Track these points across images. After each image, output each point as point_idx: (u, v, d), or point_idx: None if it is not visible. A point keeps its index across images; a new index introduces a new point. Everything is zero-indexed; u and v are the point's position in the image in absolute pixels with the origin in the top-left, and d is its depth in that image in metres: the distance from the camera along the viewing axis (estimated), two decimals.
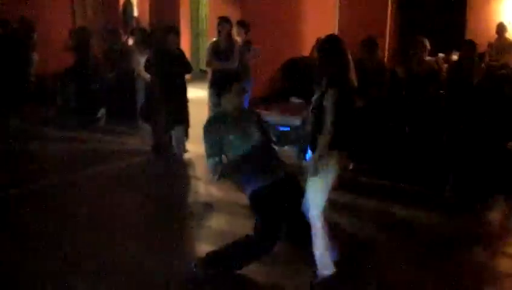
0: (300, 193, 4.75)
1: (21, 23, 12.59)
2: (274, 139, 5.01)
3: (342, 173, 4.77)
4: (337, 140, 4.52)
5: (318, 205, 4.63)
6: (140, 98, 9.86)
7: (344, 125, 4.55)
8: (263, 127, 4.96)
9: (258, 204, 4.78)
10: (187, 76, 8.79)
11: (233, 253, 4.89)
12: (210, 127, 4.89)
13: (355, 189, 7.02)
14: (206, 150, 4.84)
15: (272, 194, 4.72)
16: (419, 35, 8.09)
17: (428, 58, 8.53)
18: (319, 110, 4.53)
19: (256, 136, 4.81)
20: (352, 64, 4.64)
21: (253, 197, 4.79)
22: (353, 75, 4.65)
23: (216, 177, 4.78)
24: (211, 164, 4.78)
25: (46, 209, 6.42)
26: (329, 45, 4.72)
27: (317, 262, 4.70)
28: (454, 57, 9.95)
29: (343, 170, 4.80)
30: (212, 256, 4.89)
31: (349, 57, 4.62)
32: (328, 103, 4.45)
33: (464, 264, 5.24)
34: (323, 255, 4.68)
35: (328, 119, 4.44)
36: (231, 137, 4.74)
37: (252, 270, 4.86)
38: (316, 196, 4.64)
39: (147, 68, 8.48)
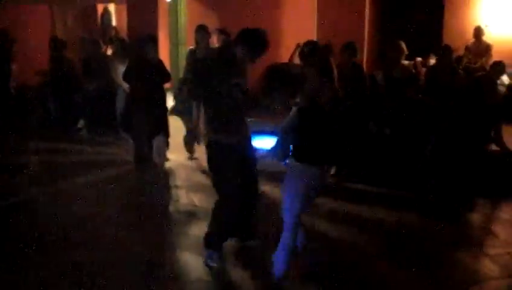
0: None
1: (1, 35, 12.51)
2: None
3: (318, 187, 4.76)
4: (306, 153, 4.61)
5: (289, 211, 4.66)
6: (120, 107, 9.83)
7: (314, 141, 4.60)
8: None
9: (217, 157, 5.02)
10: (166, 85, 8.77)
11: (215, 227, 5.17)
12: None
13: (336, 193, 7.04)
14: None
15: (234, 153, 4.93)
16: (396, 39, 8.15)
17: (406, 62, 8.60)
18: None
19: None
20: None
21: (215, 147, 5.03)
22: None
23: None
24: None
25: (28, 222, 6.35)
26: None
27: (274, 262, 4.76)
28: (432, 61, 10.03)
29: (318, 185, 4.75)
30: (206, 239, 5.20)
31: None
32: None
33: (447, 266, 5.26)
34: (280, 257, 4.71)
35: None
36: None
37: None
38: (285, 201, 4.69)
39: (126, 77, 8.45)
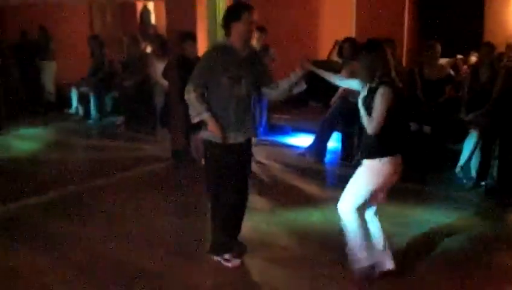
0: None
1: (40, 32, 12.74)
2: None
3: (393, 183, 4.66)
4: (388, 144, 4.47)
5: (348, 200, 4.58)
6: (159, 104, 9.91)
7: (396, 128, 4.47)
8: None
9: (211, 154, 4.94)
10: None
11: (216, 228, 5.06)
12: (210, 53, 4.87)
13: None
14: (193, 78, 4.82)
15: (234, 153, 4.82)
16: (431, 40, 8.07)
17: (445, 60, 8.49)
18: (368, 109, 4.42)
19: (245, 90, 4.78)
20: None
21: (209, 145, 4.94)
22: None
23: (196, 119, 4.88)
24: (193, 99, 4.83)
25: (68, 217, 6.44)
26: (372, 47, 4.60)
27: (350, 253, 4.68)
28: (473, 58, 9.88)
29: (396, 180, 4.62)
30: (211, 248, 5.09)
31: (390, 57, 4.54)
32: (378, 101, 4.34)
33: (489, 266, 5.16)
34: (354, 249, 4.63)
35: (376, 118, 4.35)
36: (224, 78, 4.70)
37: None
38: (350, 189, 4.58)
39: (165, 75, 8.51)
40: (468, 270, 5.05)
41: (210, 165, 5.00)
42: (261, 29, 9.74)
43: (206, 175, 5.11)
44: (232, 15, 4.77)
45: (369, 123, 4.39)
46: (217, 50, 4.85)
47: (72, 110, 12.32)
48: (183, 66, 8.06)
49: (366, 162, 4.51)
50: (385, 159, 4.44)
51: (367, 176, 4.50)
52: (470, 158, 7.28)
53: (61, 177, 8.01)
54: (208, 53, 5.00)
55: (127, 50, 11.69)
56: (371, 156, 4.48)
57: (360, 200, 4.54)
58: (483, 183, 7.15)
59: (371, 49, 4.49)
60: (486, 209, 6.64)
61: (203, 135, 4.94)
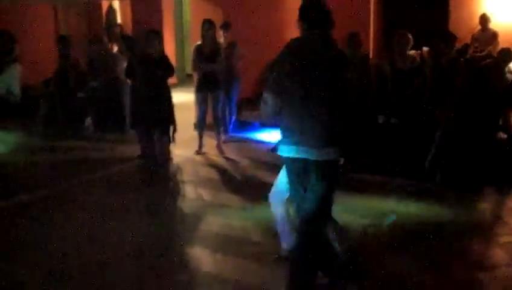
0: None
1: (1, 35, 12.52)
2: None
3: None
4: None
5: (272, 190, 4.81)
6: (127, 104, 9.83)
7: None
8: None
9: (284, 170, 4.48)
10: (173, 80, 8.74)
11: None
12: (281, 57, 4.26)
13: (345, 184, 7.01)
14: (270, 86, 4.23)
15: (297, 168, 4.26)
16: (401, 30, 8.12)
17: (412, 51, 8.56)
18: None
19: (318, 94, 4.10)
20: None
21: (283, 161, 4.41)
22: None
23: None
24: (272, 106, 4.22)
25: (37, 220, 6.35)
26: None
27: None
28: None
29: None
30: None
31: None
32: None
33: (456, 254, 5.26)
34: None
35: None
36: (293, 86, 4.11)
37: None
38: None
39: (128, 74, 8.43)
40: (436, 258, 5.13)
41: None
42: (226, 26, 9.73)
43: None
44: None
45: None
46: None
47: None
48: (145, 64, 7.99)
49: None
50: None
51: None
52: (438, 148, 7.35)
53: (28, 181, 7.88)
54: None
55: (88, 50, 11.58)
56: None
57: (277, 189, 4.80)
58: (442, 173, 7.23)
59: None
60: (453, 199, 6.73)
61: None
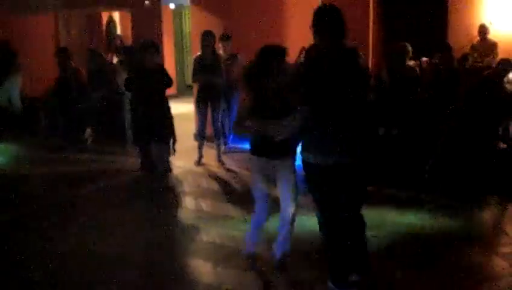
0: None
1: (1, 47, 12.55)
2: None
3: None
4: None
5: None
6: (128, 117, 9.82)
7: None
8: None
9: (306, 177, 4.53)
10: (173, 91, 8.74)
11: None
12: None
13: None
14: (304, 99, 4.29)
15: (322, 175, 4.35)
16: (401, 41, 8.14)
17: (411, 62, 8.58)
18: None
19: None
20: None
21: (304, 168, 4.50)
22: None
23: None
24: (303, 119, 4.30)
25: (35, 233, 6.35)
26: None
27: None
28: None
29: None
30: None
31: None
32: None
33: (457, 264, 5.24)
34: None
35: None
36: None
37: None
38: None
39: (126, 86, 8.42)
40: (437, 269, 5.12)
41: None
42: (226, 37, 9.74)
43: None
44: None
45: None
46: None
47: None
48: (144, 76, 7.95)
49: None
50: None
51: None
52: (438, 159, 7.35)
53: (27, 193, 7.91)
54: None
55: (88, 62, 11.61)
56: None
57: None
58: (442, 183, 7.23)
59: None
60: (454, 209, 6.70)
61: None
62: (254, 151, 4.94)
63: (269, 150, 4.79)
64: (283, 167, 4.86)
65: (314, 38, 4.34)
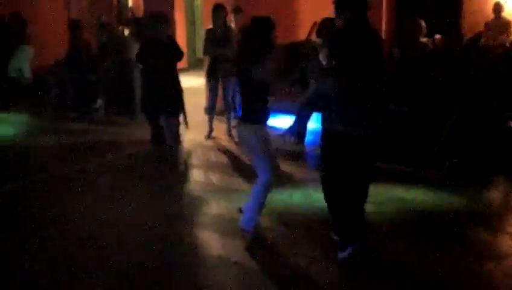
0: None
1: (12, 18, 12.57)
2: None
3: None
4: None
5: None
6: (138, 88, 9.82)
7: None
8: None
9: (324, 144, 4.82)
10: (184, 65, 8.71)
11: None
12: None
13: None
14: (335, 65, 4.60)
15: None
16: (414, 17, 8.05)
17: (425, 39, 8.49)
18: None
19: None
20: None
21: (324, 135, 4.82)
22: None
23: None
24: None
25: (48, 201, 6.41)
26: None
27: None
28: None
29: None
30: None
31: None
32: None
33: (465, 243, 5.24)
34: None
35: None
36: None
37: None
38: None
39: (138, 58, 8.38)
40: (443, 247, 5.12)
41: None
42: (237, 10, 9.68)
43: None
44: None
45: None
46: None
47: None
48: (154, 48, 7.91)
49: None
50: None
51: None
52: (448, 138, 7.32)
53: (37, 163, 7.96)
54: None
55: (99, 34, 11.61)
56: None
57: None
58: (453, 161, 7.21)
59: None
60: (462, 188, 6.67)
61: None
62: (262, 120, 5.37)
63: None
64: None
65: (337, 13, 4.52)
